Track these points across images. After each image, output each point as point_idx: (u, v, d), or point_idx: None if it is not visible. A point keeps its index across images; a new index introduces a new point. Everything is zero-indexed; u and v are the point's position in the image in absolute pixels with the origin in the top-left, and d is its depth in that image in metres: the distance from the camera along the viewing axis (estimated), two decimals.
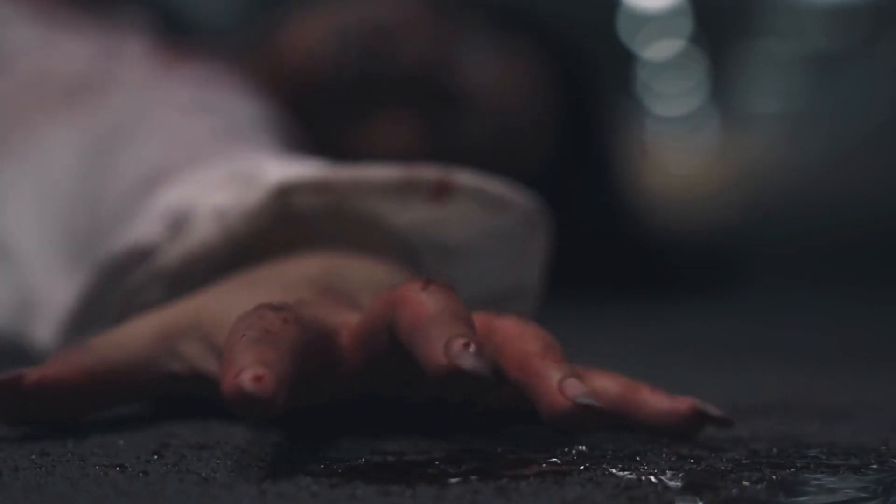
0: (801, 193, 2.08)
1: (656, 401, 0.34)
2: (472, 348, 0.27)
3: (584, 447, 0.31)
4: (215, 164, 0.46)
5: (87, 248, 0.54)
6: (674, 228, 1.38)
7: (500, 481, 0.27)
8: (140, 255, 0.43)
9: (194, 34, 0.93)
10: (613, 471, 0.28)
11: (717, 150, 2.46)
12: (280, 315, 0.29)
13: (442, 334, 0.28)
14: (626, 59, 2.45)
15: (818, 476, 0.28)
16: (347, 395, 0.33)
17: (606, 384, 0.34)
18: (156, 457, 0.29)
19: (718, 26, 2.43)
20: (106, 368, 0.33)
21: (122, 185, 0.52)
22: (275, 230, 0.41)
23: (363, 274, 0.38)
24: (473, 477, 0.27)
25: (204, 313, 0.35)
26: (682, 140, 2.52)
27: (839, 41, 2.34)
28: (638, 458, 0.30)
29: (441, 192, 0.41)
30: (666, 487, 0.27)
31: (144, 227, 0.43)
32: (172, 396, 0.36)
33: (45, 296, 0.57)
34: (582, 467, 0.29)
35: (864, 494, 0.27)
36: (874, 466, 0.30)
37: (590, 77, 1.09)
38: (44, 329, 0.54)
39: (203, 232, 0.41)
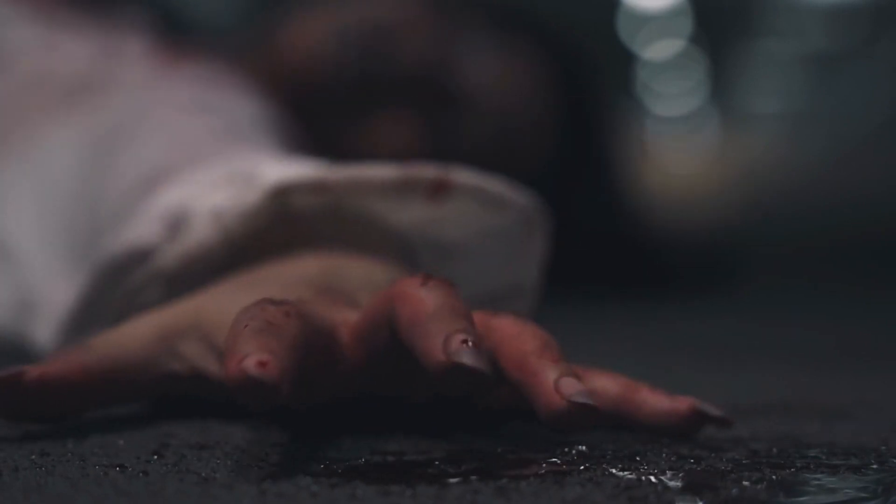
0: (801, 193, 2.08)
1: (656, 401, 0.34)
2: (471, 344, 0.27)
3: (584, 447, 0.31)
4: (215, 164, 0.46)
5: (87, 248, 0.54)
6: (673, 228, 1.38)
7: (500, 481, 0.27)
8: (139, 256, 0.43)
9: (194, 34, 0.93)
10: (613, 471, 0.28)
11: (717, 150, 2.46)
12: (282, 308, 0.29)
13: (441, 330, 0.28)
14: (626, 59, 2.45)
15: (818, 476, 0.28)
16: (347, 394, 0.33)
17: (606, 384, 0.34)
18: (156, 457, 0.29)
19: (718, 26, 2.43)
20: (106, 367, 0.33)
21: (122, 184, 0.52)
22: (273, 230, 0.41)
23: (361, 273, 0.38)
24: (473, 477, 0.27)
25: (203, 313, 0.35)
26: (682, 140, 2.52)
27: (839, 41, 2.34)
28: (638, 458, 0.30)
29: (439, 191, 0.41)
30: (666, 487, 0.27)
31: (143, 228, 0.43)
32: (172, 396, 0.36)
33: (45, 296, 0.57)
34: (582, 467, 0.29)
35: (864, 494, 0.27)
36: (874, 466, 0.30)
37: (590, 77, 1.09)
38: (44, 329, 0.54)
39: (201, 232, 0.41)
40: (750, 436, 0.35)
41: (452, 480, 0.27)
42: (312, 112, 0.87)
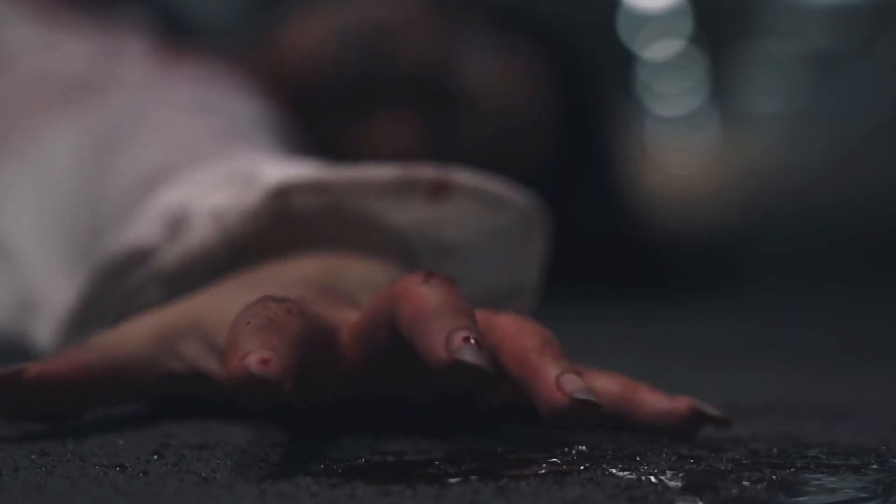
0: (801, 193, 2.08)
1: (655, 401, 0.34)
2: (473, 342, 0.27)
3: (584, 447, 0.31)
4: (215, 164, 0.46)
5: (87, 248, 0.54)
6: (673, 228, 1.38)
7: (500, 481, 0.27)
8: (139, 256, 0.43)
9: (194, 34, 0.93)
10: (613, 471, 0.28)
11: (717, 150, 2.46)
12: (284, 306, 0.29)
13: (443, 327, 0.28)
14: (626, 59, 2.45)
15: (818, 476, 0.28)
16: (347, 394, 0.33)
17: (605, 384, 0.34)
18: (156, 457, 0.29)
19: (718, 26, 2.43)
20: (106, 366, 0.33)
21: (122, 184, 0.52)
22: (273, 230, 0.41)
23: (362, 274, 0.38)
24: (473, 477, 0.27)
25: (203, 313, 0.35)
26: (682, 140, 2.52)
27: (839, 41, 2.34)
28: (638, 458, 0.30)
29: (439, 191, 0.41)
30: (666, 487, 0.27)
31: (143, 228, 0.43)
32: (172, 396, 0.36)
33: (46, 296, 0.57)
34: (582, 467, 0.29)
35: (864, 494, 0.27)
36: (874, 466, 0.30)
37: (590, 77, 1.09)
38: (44, 329, 0.54)
39: (201, 233, 0.41)
40: (750, 436, 0.35)
41: (452, 480, 0.27)
42: (312, 112, 0.87)
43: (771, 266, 1.62)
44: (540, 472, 0.28)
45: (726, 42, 2.42)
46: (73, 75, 0.71)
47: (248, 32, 1.00)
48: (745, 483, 0.27)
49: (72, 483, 0.26)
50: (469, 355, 0.27)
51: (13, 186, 0.65)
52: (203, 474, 0.27)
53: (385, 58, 0.90)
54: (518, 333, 0.31)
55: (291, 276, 0.37)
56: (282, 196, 0.41)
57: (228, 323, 0.29)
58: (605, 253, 1.05)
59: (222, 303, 0.35)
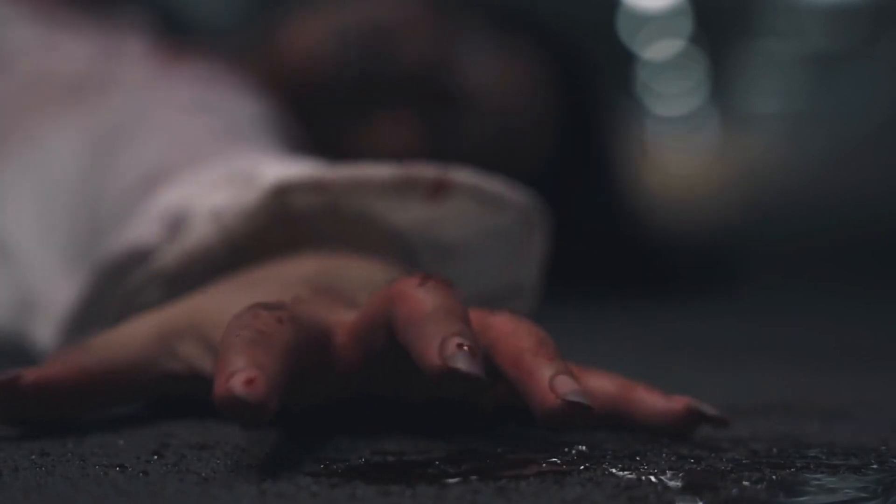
0: (801, 193, 2.08)
1: (652, 400, 0.34)
2: (467, 348, 0.27)
3: (584, 447, 0.31)
4: (215, 164, 0.46)
5: (87, 248, 0.54)
6: (673, 228, 1.38)
7: (500, 481, 0.27)
8: (139, 256, 0.43)
9: (194, 34, 0.93)
10: (613, 471, 0.28)
11: (717, 150, 2.46)
12: (275, 314, 0.29)
13: (437, 332, 0.28)
14: (626, 59, 2.45)
15: (818, 476, 0.28)
16: (344, 394, 0.33)
17: (602, 384, 0.34)
18: (156, 457, 0.29)
19: (718, 26, 2.43)
20: (104, 368, 0.33)
21: (122, 184, 0.52)
22: (272, 230, 0.41)
23: (361, 273, 0.38)
24: (473, 477, 0.27)
25: (202, 313, 0.35)
26: (682, 140, 2.52)
27: (839, 41, 2.34)
28: (638, 458, 0.30)
29: (438, 190, 0.41)
30: (666, 487, 0.27)
31: (143, 228, 0.43)
32: (171, 396, 0.36)
33: (46, 296, 0.57)
34: (582, 467, 0.29)
35: (864, 494, 0.27)
36: (874, 466, 0.30)
37: (590, 77, 1.09)
38: (44, 329, 0.54)
39: (200, 232, 0.41)
40: (750, 436, 0.35)
41: (452, 480, 0.27)
42: (312, 112, 0.87)
43: (771, 266, 1.62)
44: (540, 472, 0.28)
45: (726, 42, 2.42)
46: (73, 75, 0.71)
47: (248, 32, 1.00)
48: (745, 483, 0.27)
49: (72, 483, 0.26)
50: (462, 363, 0.27)
51: (13, 186, 0.65)
52: (203, 474, 0.27)
53: (385, 58, 0.90)
54: (513, 334, 0.31)
55: (290, 276, 0.37)
56: (281, 195, 0.41)
57: (227, 323, 0.29)
58: (605, 253, 1.05)
59: (221, 303, 0.35)
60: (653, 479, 0.27)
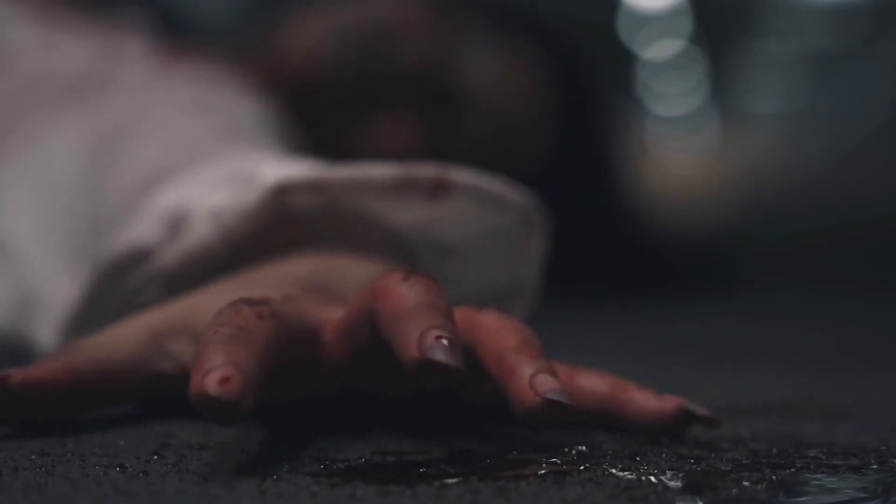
0: (801, 193, 2.08)
1: (644, 400, 0.34)
2: (446, 341, 0.27)
3: (584, 447, 0.31)
4: (215, 164, 0.46)
5: (87, 248, 0.54)
6: (673, 228, 1.38)
7: (500, 481, 0.27)
8: (139, 256, 0.43)
9: (194, 34, 0.93)
10: (613, 471, 0.28)
11: (717, 150, 2.46)
12: (256, 310, 0.29)
13: (417, 326, 0.28)
14: (626, 59, 2.45)
15: (818, 476, 0.28)
16: (330, 390, 0.33)
17: (594, 383, 0.34)
18: (156, 457, 0.29)
19: (718, 26, 2.43)
20: (95, 368, 0.33)
21: (123, 184, 0.52)
22: (272, 230, 0.41)
23: (359, 273, 0.38)
24: (473, 477, 0.27)
25: (196, 313, 0.35)
26: (682, 140, 2.52)
27: (839, 41, 2.34)
28: (638, 459, 0.30)
29: (438, 190, 0.41)
30: (666, 487, 0.27)
31: (143, 228, 0.43)
32: (164, 396, 0.36)
33: (46, 295, 0.57)
34: (582, 467, 0.29)
35: (864, 494, 0.27)
36: (874, 466, 0.30)
37: (590, 77, 1.09)
38: (45, 329, 0.54)
39: (200, 233, 0.41)
40: (750, 436, 0.35)
41: (452, 480, 0.27)
42: (312, 112, 0.87)
43: (771, 266, 1.62)
44: (540, 472, 0.28)
45: (726, 42, 2.42)
46: (73, 75, 0.71)
47: (248, 32, 1.00)
48: (745, 483, 0.27)
49: (72, 483, 0.26)
50: (440, 354, 0.27)
51: (13, 186, 0.65)
52: (203, 474, 0.27)
53: (385, 58, 0.90)
54: (498, 332, 0.31)
55: (286, 275, 0.37)
56: (281, 195, 0.41)
57: None
58: (605, 253, 1.05)
59: (216, 302, 0.35)
60: (653, 479, 0.27)
